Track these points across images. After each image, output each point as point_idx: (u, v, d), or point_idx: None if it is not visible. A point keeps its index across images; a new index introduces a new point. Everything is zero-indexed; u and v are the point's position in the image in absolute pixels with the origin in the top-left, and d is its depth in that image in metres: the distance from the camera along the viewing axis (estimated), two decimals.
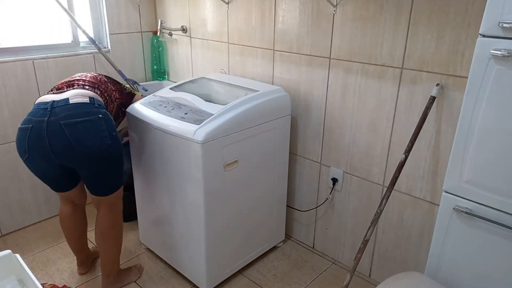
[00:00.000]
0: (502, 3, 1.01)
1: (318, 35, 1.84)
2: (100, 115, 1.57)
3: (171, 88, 1.95)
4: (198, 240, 1.73)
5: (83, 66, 2.39)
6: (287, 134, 1.98)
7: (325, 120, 1.94)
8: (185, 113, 1.67)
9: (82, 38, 2.39)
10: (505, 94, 1.06)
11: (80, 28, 2.31)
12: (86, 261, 1.99)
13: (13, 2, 2.15)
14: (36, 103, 1.60)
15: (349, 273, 1.54)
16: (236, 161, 1.72)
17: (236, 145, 1.69)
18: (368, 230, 1.54)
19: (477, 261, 1.23)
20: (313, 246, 2.20)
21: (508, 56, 1.02)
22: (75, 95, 1.59)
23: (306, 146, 2.06)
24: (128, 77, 2.53)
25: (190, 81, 2.09)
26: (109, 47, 2.51)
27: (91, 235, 2.13)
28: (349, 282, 1.54)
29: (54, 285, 1.88)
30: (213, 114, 1.61)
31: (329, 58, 1.83)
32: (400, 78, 1.61)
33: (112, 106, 1.79)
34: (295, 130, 2.07)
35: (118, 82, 1.92)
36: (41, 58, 2.21)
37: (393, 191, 1.68)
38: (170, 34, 2.59)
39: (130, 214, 2.30)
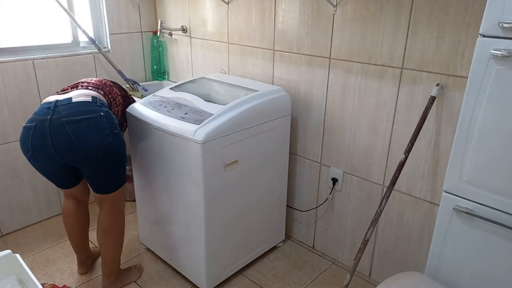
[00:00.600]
0: (502, 3, 1.01)
1: (318, 35, 1.84)
2: (102, 113, 1.58)
3: (171, 88, 1.95)
4: (198, 240, 1.73)
5: (83, 66, 2.38)
6: (287, 134, 1.98)
7: (325, 120, 1.94)
8: (185, 113, 1.68)
9: (82, 38, 2.39)
10: (505, 94, 1.06)
11: (80, 28, 2.31)
12: (87, 260, 1.99)
13: (13, 2, 2.15)
14: (41, 103, 1.64)
15: (349, 273, 1.54)
16: (236, 161, 1.72)
17: (236, 145, 1.69)
18: (368, 230, 1.54)
19: (477, 261, 1.23)
20: (313, 246, 2.20)
21: (508, 56, 1.02)
22: (78, 94, 1.63)
23: (306, 146, 2.06)
24: (128, 77, 2.53)
25: (190, 81, 2.09)
26: (109, 47, 2.51)
27: (92, 237, 2.13)
28: (349, 282, 1.54)
29: (54, 285, 1.88)
30: (213, 114, 1.61)
31: (329, 58, 1.83)
32: (400, 78, 1.61)
33: (116, 109, 1.80)
34: (295, 130, 2.07)
35: (124, 89, 1.93)
36: (41, 58, 2.20)
37: (393, 191, 1.68)
38: (170, 34, 2.59)
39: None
